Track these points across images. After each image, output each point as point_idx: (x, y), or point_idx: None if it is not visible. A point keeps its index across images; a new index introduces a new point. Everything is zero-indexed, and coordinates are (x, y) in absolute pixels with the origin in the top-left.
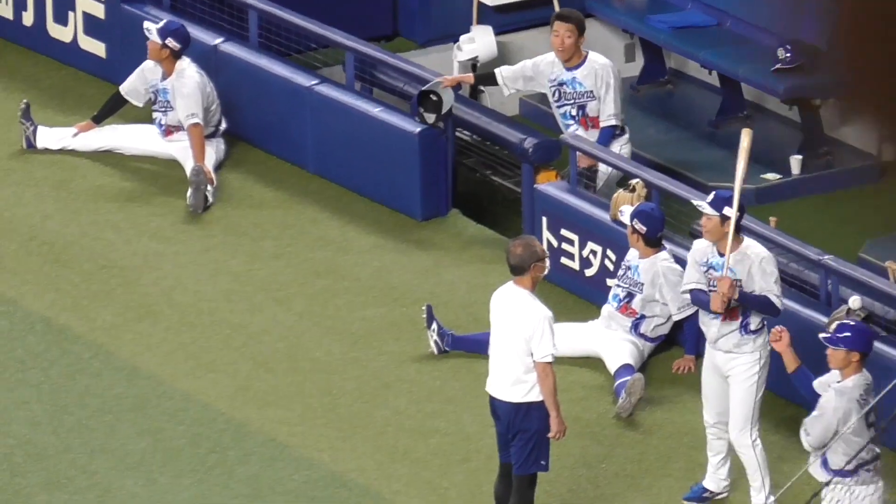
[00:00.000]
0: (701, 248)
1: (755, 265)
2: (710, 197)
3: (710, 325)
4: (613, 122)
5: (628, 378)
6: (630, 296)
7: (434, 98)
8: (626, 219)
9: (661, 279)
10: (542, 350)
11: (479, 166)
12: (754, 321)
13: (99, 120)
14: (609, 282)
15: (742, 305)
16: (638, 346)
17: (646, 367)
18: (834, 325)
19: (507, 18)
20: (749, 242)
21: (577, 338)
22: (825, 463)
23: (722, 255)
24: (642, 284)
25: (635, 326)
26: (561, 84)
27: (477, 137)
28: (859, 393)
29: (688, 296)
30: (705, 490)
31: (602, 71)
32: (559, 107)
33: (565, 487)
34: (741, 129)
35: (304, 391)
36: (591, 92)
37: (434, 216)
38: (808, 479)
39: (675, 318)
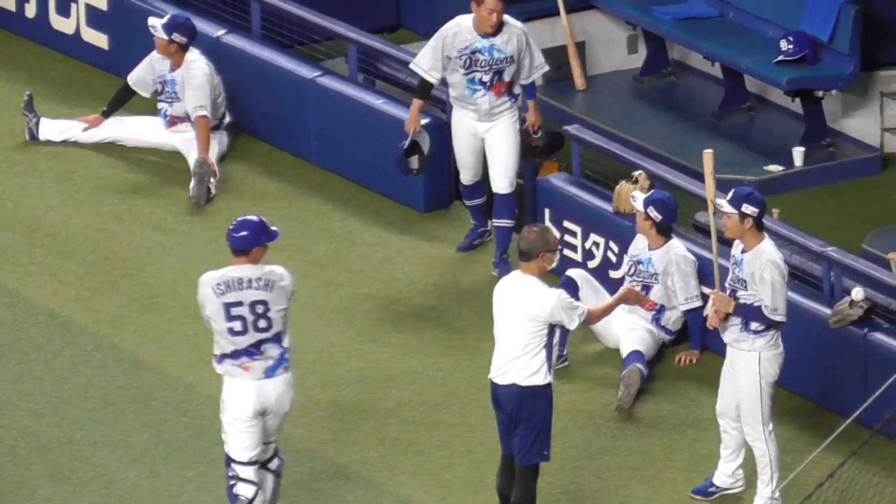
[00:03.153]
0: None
1: (758, 269)
2: (730, 195)
3: None
4: (545, 69)
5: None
6: (646, 288)
7: (416, 145)
8: (638, 205)
9: (673, 267)
10: (573, 321)
11: None
12: (754, 323)
13: (109, 114)
14: (613, 274)
15: (742, 317)
16: (654, 335)
17: (654, 359)
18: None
19: (509, 10)
20: (766, 246)
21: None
22: None
23: (745, 251)
24: (658, 275)
25: (656, 319)
26: (473, 52)
27: None
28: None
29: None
30: (712, 485)
31: (522, 35)
32: (467, 74)
33: (568, 479)
34: (745, 120)
35: (307, 383)
36: (511, 57)
37: (437, 208)
38: (810, 471)
39: (682, 307)
